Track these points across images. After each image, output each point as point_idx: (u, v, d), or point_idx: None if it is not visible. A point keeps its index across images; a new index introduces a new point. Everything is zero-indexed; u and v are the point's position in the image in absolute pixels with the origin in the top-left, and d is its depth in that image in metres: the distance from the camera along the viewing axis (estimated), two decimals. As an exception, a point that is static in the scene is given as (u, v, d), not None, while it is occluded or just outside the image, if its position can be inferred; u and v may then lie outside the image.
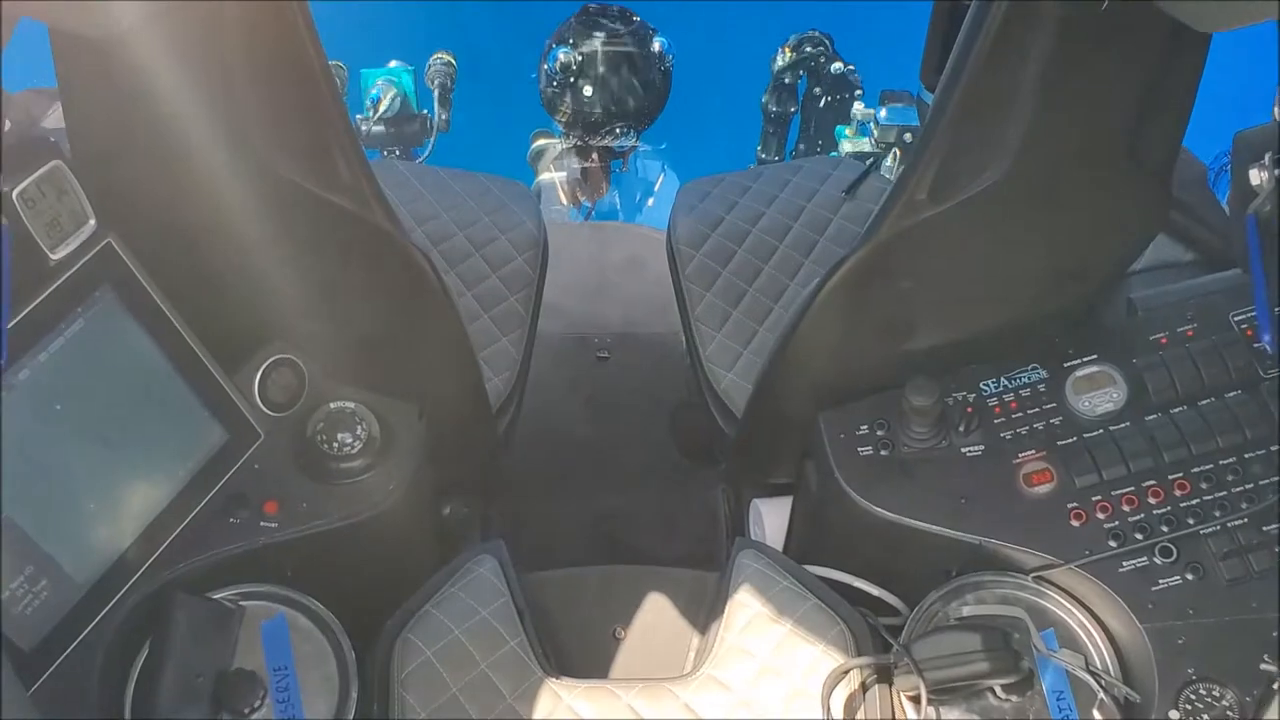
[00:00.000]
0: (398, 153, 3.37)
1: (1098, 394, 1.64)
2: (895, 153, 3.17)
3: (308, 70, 1.28)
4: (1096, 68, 1.27)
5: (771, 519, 2.07)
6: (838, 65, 3.47)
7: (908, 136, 3.16)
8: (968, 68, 1.28)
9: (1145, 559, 1.51)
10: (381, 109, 3.30)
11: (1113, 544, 1.52)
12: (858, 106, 3.38)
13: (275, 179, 1.37)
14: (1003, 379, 1.69)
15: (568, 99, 3.11)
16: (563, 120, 3.22)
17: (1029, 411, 1.65)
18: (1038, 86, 1.27)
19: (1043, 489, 1.59)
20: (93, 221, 1.40)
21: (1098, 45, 1.24)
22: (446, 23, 4.74)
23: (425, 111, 3.42)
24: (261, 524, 1.57)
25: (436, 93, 3.43)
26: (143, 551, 1.47)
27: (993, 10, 1.21)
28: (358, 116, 3.36)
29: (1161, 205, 1.49)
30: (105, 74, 1.25)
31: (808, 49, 3.47)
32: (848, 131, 3.38)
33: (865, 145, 3.27)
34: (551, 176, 3.43)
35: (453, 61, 3.49)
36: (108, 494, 1.45)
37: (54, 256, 1.35)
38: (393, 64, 3.39)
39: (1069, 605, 1.53)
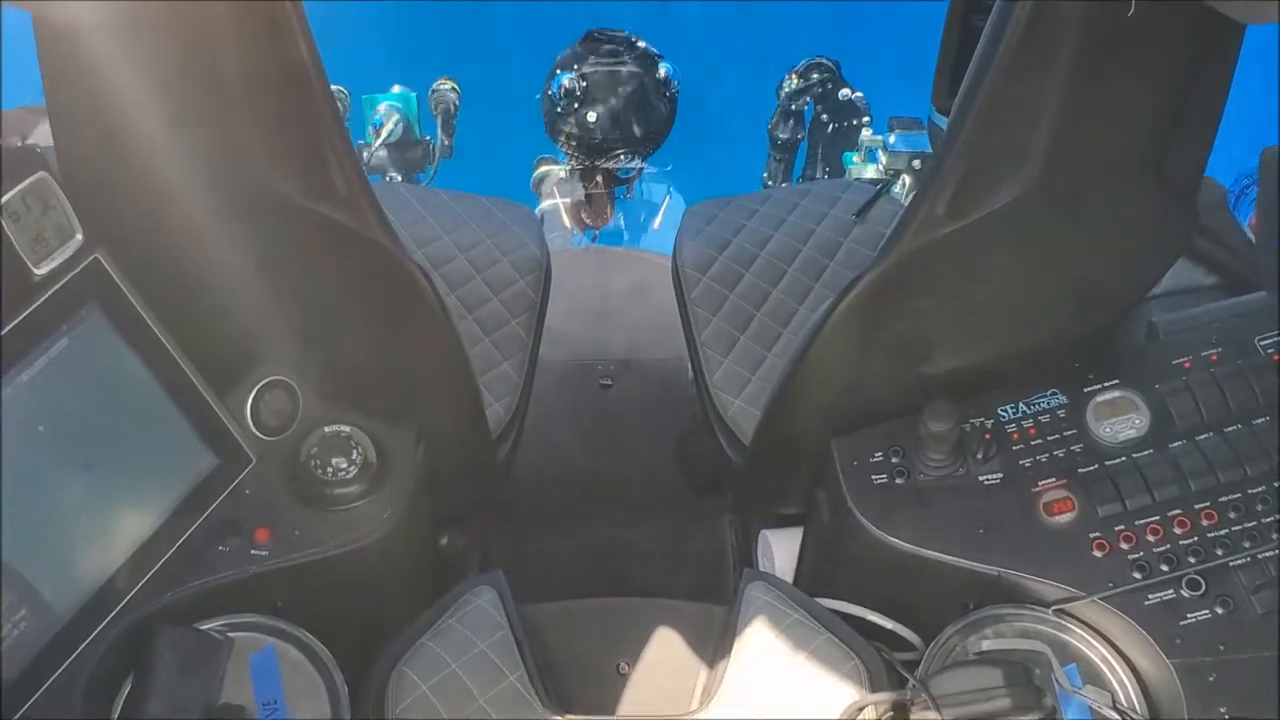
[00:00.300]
0: (400, 178, 3.34)
1: (1119, 420, 1.58)
2: (904, 179, 3.14)
3: (301, 75, 1.24)
4: (1123, 76, 1.22)
5: (781, 550, 2.01)
6: (845, 91, 3.45)
7: (917, 163, 3.13)
8: (989, 75, 1.23)
9: (1172, 591, 1.45)
10: (384, 134, 3.28)
11: (1137, 576, 1.46)
12: (866, 133, 3.36)
13: (268, 191, 1.33)
14: (1021, 404, 1.64)
15: (572, 125, 3.08)
16: (567, 146, 3.19)
17: (1049, 438, 1.60)
18: (1062, 94, 1.22)
19: (1064, 518, 1.54)
20: (80, 236, 1.36)
21: (1125, 52, 1.19)
22: (450, 48, 4.73)
23: (428, 137, 3.40)
24: (252, 552, 1.51)
25: (440, 118, 3.42)
26: (127, 580, 1.41)
27: (1016, 14, 1.16)
28: (360, 142, 3.34)
29: (1187, 222, 1.45)
30: (92, 80, 1.21)
31: (815, 75, 3.45)
32: (855, 158, 3.35)
33: (874, 172, 3.23)
34: (555, 202, 3.40)
35: (456, 87, 3.48)
36: (91, 519, 1.39)
37: (38, 272, 1.31)
38: (396, 89, 3.38)
39: (1092, 640, 1.47)
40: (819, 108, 3.49)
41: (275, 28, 1.19)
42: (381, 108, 3.31)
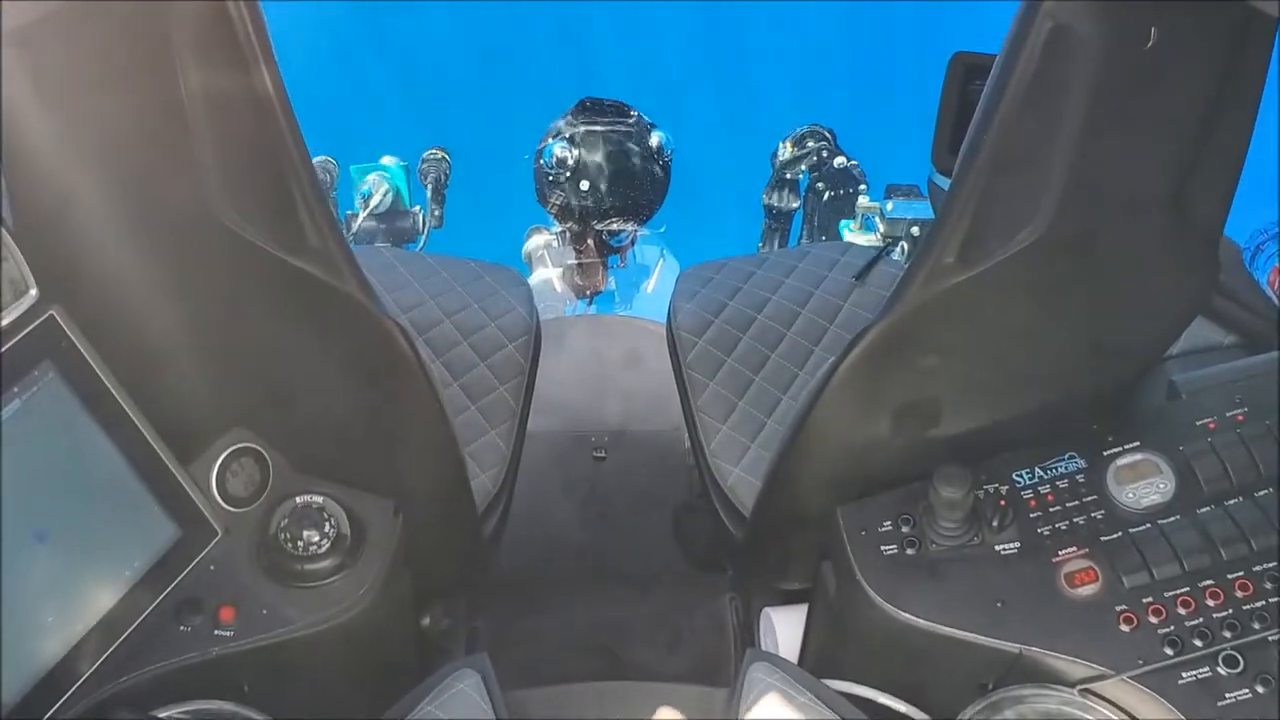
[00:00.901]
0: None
1: (1142, 484, 1.50)
2: (903, 246, 3.09)
3: (267, 113, 1.17)
4: (1143, 111, 1.16)
5: (785, 629, 1.92)
6: (840, 160, 3.43)
7: (915, 230, 3.09)
8: (998, 116, 1.17)
9: (1207, 669, 1.36)
10: (372, 204, 3.25)
11: (1169, 652, 1.37)
12: (863, 200, 3.32)
13: (235, 241, 1.26)
14: (1037, 469, 1.56)
15: (564, 194, 3.05)
16: (559, 215, 3.16)
17: (1068, 504, 1.52)
18: (1076, 135, 1.16)
19: (1087, 590, 1.45)
20: (34, 292, 1.28)
21: (1145, 86, 1.13)
22: (441, 118, 4.75)
23: (418, 207, 3.37)
24: (216, 631, 1.43)
25: (430, 188, 3.39)
26: (80, 663, 1.32)
27: (1028, 47, 1.10)
28: (348, 213, 3.31)
29: (1209, 272, 1.38)
30: (49, 125, 1.14)
31: (809, 143, 3.44)
32: (852, 225, 3.31)
33: (872, 239, 3.19)
34: (548, 271, 3.36)
35: (447, 157, 3.46)
36: (42, 596, 1.30)
37: (-12, 329, 1.23)
38: (385, 159, 3.35)
39: (1123, 722, 1.37)
40: (814, 176, 3.47)
41: (241, 60, 1.13)
42: (370, 178, 3.28)
